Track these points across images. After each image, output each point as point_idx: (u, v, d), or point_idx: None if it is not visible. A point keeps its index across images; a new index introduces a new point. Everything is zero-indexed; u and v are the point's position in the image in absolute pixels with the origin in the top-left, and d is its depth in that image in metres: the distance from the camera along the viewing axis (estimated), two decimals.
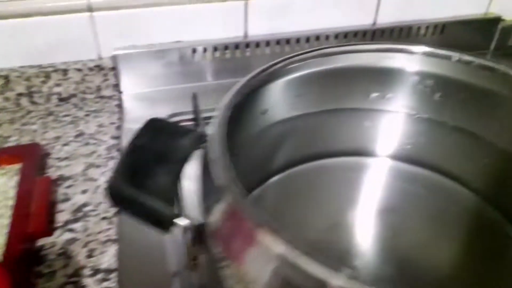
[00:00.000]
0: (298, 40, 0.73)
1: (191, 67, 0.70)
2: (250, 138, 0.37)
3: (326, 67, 0.39)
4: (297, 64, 0.37)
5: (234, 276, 0.22)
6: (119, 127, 0.62)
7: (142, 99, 0.68)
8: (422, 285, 0.36)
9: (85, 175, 0.53)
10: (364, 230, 0.40)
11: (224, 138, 0.27)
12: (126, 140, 0.59)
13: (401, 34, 0.77)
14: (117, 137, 0.60)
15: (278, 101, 0.38)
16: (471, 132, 0.40)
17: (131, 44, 0.67)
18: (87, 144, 0.58)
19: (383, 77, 0.40)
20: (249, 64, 0.72)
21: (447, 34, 0.80)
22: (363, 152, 0.45)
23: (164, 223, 0.27)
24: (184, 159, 0.30)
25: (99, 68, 0.66)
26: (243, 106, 0.36)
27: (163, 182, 0.28)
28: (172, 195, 0.28)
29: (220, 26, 0.69)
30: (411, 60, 0.38)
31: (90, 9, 0.62)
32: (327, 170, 0.44)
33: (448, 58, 0.37)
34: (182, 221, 0.27)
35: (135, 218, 0.27)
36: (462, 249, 0.39)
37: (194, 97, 0.62)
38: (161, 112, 0.65)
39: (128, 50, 0.66)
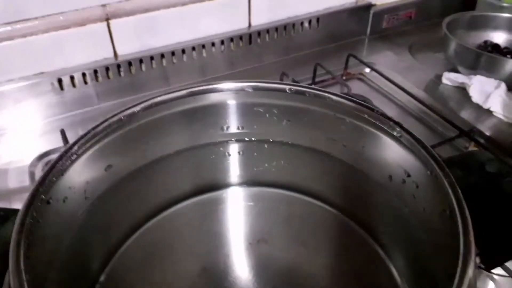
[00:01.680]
0: (173, 53, 0.71)
1: (62, 97, 0.66)
2: (96, 199, 0.35)
3: (165, 113, 0.38)
4: (129, 118, 0.35)
5: None
6: None
7: (11, 139, 0.63)
8: None
9: None
10: (237, 267, 0.40)
11: (20, 243, 0.25)
12: None
13: (277, 33, 0.78)
14: None
15: (120, 154, 0.37)
16: (321, 151, 0.42)
17: None
18: None
19: (229, 112, 0.40)
20: (126, 83, 0.70)
21: (324, 26, 0.82)
22: (221, 185, 0.45)
23: None
24: (6, 253, 0.28)
25: None
26: (79, 168, 0.34)
27: None
28: None
29: (85, 50, 0.65)
30: (249, 95, 0.39)
31: None
32: (186, 213, 0.44)
33: (282, 90, 0.38)
34: None
35: None
36: (333, 269, 0.41)
37: (63, 133, 0.59)
38: (33, 152, 0.61)
39: None
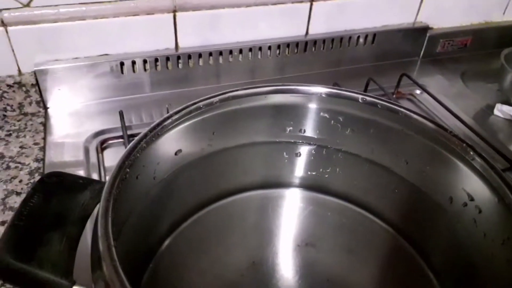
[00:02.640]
0: (231, 52, 0.72)
1: (120, 80, 0.68)
2: (163, 181, 0.37)
3: (239, 107, 0.39)
4: (207, 107, 0.37)
5: None
6: (42, 148, 0.59)
7: (69, 115, 0.66)
8: None
9: (5, 204, 0.51)
10: (283, 266, 0.41)
11: (109, 212, 0.27)
12: (50, 161, 0.57)
13: (333, 44, 0.79)
14: (40, 160, 0.58)
15: (192, 140, 0.38)
16: (381, 165, 0.42)
17: (54, 59, 0.64)
18: (7, 168, 0.56)
19: (295, 114, 0.41)
20: (182, 76, 0.72)
21: (378, 43, 0.82)
22: (277, 184, 0.46)
23: None
24: (83, 218, 0.30)
25: (20, 84, 0.63)
26: (155, 148, 0.35)
27: (58, 249, 0.27)
28: (69, 262, 0.28)
29: (149, 39, 0.67)
30: (319, 100, 0.39)
31: (3, 24, 0.58)
32: (241, 206, 0.45)
33: (355, 99, 0.39)
34: None
35: None
36: (378, 280, 0.41)
37: (121, 115, 0.61)
38: (89, 129, 0.63)
39: (51, 65, 0.63)
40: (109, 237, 0.25)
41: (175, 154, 0.38)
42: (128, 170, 0.30)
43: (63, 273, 0.27)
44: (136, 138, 0.32)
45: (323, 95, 0.39)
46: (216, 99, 0.36)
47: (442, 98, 0.75)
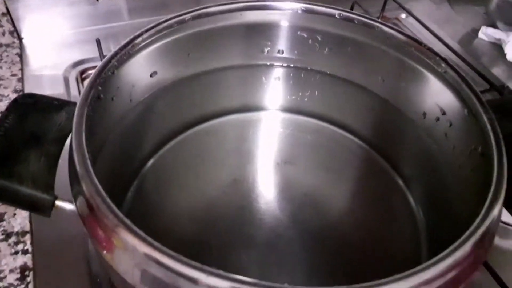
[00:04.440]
0: None
1: (96, 8, 0.66)
2: (140, 104, 0.37)
3: (214, 25, 0.38)
4: (179, 25, 0.36)
5: (109, 267, 0.24)
6: (21, 79, 0.59)
7: (45, 45, 0.64)
8: (317, 228, 0.40)
9: None
10: (263, 182, 0.43)
11: (82, 125, 0.27)
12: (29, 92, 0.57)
13: None
14: (20, 91, 0.57)
15: (167, 62, 0.38)
16: (358, 84, 0.43)
17: None
18: None
19: (272, 33, 0.41)
20: (160, 1, 0.69)
21: None
22: (256, 107, 0.46)
23: (42, 208, 0.28)
24: (61, 138, 0.30)
25: None
26: (128, 69, 0.35)
27: (37, 167, 0.28)
28: (49, 178, 0.28)
29: None
30: (295, 16, 0.39)
31: None
32: (222, 129, 0.45)
33: (332, 15, 0.38)
34: (61, 204, 0.28)
35: (13, 206, 0.28)
36: (352, 194, 0.43)
37: (98, 43, 0.59)
38: (67, 58, 0.62)
39: None
40: (84, 152, 0.26)
41: (151, 76, 0.38)
42: (100, 88, 0.30)
43: (43, 188, 0.28)
44: (107, 57, 0.32)
45: (299, 11, 0.38)
46: (188, 16, 0.36)
47: (427, 21, 0.74)
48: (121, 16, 0.68)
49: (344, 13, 0.37)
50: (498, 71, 0.68)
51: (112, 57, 0.32)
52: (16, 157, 0.28)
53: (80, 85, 0.59)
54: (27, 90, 0.57)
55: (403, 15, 0.76)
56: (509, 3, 0.70)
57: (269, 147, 0.46)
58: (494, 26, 0.74)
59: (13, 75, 0.59)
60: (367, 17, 0.37)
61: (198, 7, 0.36)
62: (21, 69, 0.60)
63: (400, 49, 0.37)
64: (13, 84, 0.58)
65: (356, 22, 0.38)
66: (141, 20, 0.70)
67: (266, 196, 0.41)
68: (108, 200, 0.24)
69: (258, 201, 0.40)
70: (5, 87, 0.57)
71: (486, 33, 0.73)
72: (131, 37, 0.33)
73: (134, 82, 0.37)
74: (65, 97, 0.57)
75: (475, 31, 0.75)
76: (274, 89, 0.46)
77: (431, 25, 0.74)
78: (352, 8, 0.71)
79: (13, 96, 0.56)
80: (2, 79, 0.58)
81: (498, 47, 0.72)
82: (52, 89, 0.58)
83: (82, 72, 0.61)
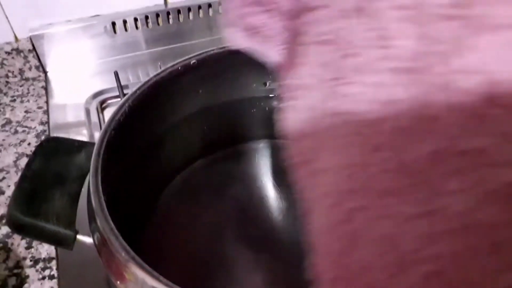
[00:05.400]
0: (220, 3, 0.73)
1: (114, 40, 0.70)
2: (152, 142, 0.40)
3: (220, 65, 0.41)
4: (186, 68, 0.39)
5: None
6: (46, 111, 0.63)
7: (68, 77, 0.68)
8: None
9: (17, 166, 0.56)
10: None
11: (98, 168, 0.30)
12: (54, 124, 0.61)
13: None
14: (45, 122, 0.61)
15: (177, 100, 0.41)
16: None
17: (48, 23, 0.65)
18: (15, 132, 0.60)
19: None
20: (174, 31, 0.73)
21: None
22: (262, 136, 0.49)
23: (65, 242, 0.31)
24: (81, 176, 0.34)
25: (17, 50, 0.65)
26: (141, 111, 0.38)
27: (60, 204, 0.31)
28: (71, 215, 0.32)
29: None
30: None
31: None
32: (244, 154, 0.48)
33: None
34: (82, 238, 0.31)
35: (39, 241, 0.31)
36: None
37: (116, 75, 0.63)
38: (88, 90, 0.66)
39: (45, 29, 0.65)
40: (99, 193, 0.29)
41: (161, 115, 0.41)
42: (113, 132, 0.33)
43: (66, 224, 0.31)
44: (121, 102, 0.35)
45: None
46: (194, 60, 0.39)
47: None
48: (139, 46, 0.72)
49: None
50: None
51: (125, 101, 0.35)
52: (42, 196, 0.32)
53: (100, 114, 0.63)
54: (52, 120, 0.62)
55: None
56: None
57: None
58: None
59: (39, 107, 0.64)
60: None
61: (202, 51, 0.39)
62: (47, 102, 0.64)
63: None
64: (39, 116, 0.62)
65: None
66: (156, 49, 0.73)
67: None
68: (121, 238, 0.27)
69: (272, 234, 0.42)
70: (32, 120, 0.62)
71: None
72: (142, 82, 0.36)
73: (147, 121, 0.40)
74: (86, 125, 0.61)
75: None
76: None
77: None
78: None
79: (40, 128, 0.61)
80: (30, 112, 0.63)
81: None
82: (75, 118, 0.62)
83: (102, 102, 0.65)
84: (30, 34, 0.64)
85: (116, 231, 0.27)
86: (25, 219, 0.30)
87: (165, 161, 0.44)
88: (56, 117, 0.62)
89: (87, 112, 0.63)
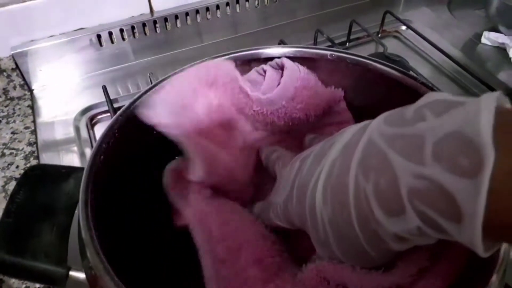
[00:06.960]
0: (207, 9, 0.71)
1: (101, 53, 0.68)
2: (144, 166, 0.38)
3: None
4: None
5: None
6: (34, 131, 0.61)
7: (55, 94, 0.66)
8: None
9: (6, 191, 0.54)
10: None
11: (87, 201, 0.28)
12: (42, 144, 0.59)
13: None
14: (33, 143, 0.59)
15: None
16: None
17: (30, 39, 0.63)
18: (2, 155, 0.58)
19: None
20: (162, 40, 0.71)
21: None
22: None
23: (57, 281, 0.29)
24: (70, 206, 0.32)
25: (0, 70, 0.63)
26: (129, 133, 0.36)
27: (49, 239, 0.29)
28: (61, 250, 0.30)
29: (122, 6, 0.66)
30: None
31: None
32: None
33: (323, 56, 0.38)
34: (75, 275, 0.29)
35: (28, 281, 0.29)
36: None
37: (104, 89, 0.61)
38: (77, 106, 0.64)
39: (28, 46, 0.63)
40: (90, 226, 0.27)
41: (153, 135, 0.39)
42: (102, 157, 0.31)
43: (56, 261, 0.29)
44: (109, 124, 0.33)
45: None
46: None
47: (427, 31, 0.74)
48: (127, 57, 0.70)
49: (335, 54, 0.38)
50: (504, 76, 0.67)
51: (113, 124, 0.33)
52: (29, 231, 0.30)
53: (91, 131, 0.61)
54: (40, 140, 0.59)
55: (403, 27, 0.76)
56: (509, 6, 0.69)
57: None
58: (496, 30, 0.73)
59: (26, 127, 0.61)
60: (358, 55, 0.38)
61: (195, 63, 0.37)
62: (34, 121, 0.62)
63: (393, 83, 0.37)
64: (26, 137, 0.60)
65: (348, 61, 0.38)
66: (145, 59, 0.71)
67: None
68: (112, 273, 0.25)
69: None
70: (19, 141, 0.60)
71: (489, 38, 0.72)
72: (127, 104, 0.34)
73: (136, 143, 0.38)
74: (76, 142, 0.58)
75: (478, 36, 0.74)
76: None
77: (432, 34, 0.73)
78: (350, 27, 0.71)
79: (28, 149, 0.58)
80: (17, 133, 0.61)
81: (502, 51, 0.71)
82: (64, 136, 0.60)
83: (92, 118, 0.63)
84: (12, 52, 0.62)
85: (108, 266, 0.25)
86: (11, 259, 0.28)
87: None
88: (44, 136, 0.60)
89: (77, 129, 0.61)
